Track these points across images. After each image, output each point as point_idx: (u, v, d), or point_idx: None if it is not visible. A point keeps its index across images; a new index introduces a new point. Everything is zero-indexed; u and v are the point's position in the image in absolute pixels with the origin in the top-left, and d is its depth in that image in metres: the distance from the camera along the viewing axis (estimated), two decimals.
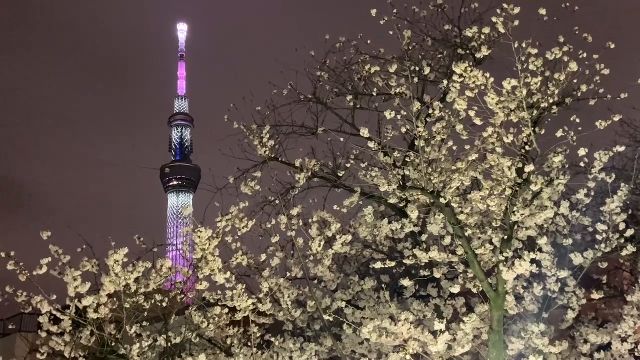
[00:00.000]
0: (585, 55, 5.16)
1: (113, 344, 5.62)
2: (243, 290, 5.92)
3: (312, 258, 6.52)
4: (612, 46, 5.16)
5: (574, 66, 5.07)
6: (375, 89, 6.93)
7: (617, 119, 5.47)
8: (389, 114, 5.57)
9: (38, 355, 5.85)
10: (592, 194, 6.21)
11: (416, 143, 5.67)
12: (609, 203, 6.20)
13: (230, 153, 7.44)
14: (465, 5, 6.83)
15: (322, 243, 6.23)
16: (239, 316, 6.11)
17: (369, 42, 6.80)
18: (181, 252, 6.06)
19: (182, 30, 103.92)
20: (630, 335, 6.21)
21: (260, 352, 6.31)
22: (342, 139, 7.12)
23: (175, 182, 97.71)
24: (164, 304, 5.85)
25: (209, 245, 5.47)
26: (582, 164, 5.81)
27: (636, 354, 6.22)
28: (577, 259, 6.19)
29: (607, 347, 6.45)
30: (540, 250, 5.85)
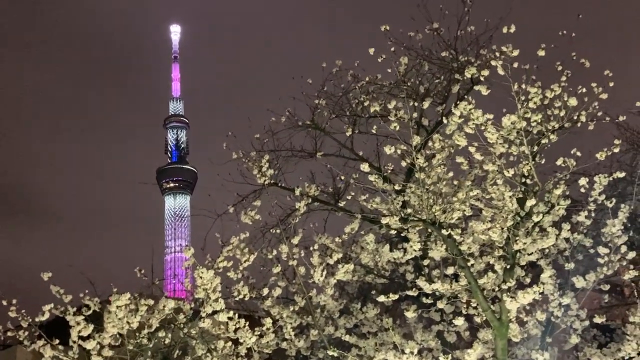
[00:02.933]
0: (584, 89, 5.16)
1: None
2: (246, 325, 5.90)
3: (314, 286, 6.50)
4: (610, 75, 5.16)
5: (573, 102, 5.07)
6: (373, 111, 6.91)
7: (617, 149, 5.47)
8: (388, 149, 5.55)
9: None
10: (593, 215, 6.22)
11: (415, 174, 5.66)
12: (609, 225, 6.21)
13: (229, 172, 7.40)
14: (461, 28, 6.81)
15: (324, 272, 6.21)
16: (242, 349, 6.10)
17: (367, 76, 6.78)
18: (183, 285, 6.02)
19: (176, 32, 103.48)
20: (633, 357, 6.21)
21: None
22: (341, 166, 7.10)
23: (171, 184, 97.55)
24: (167, 340, 5.81)
25: (211, 284, 5.45)
26: (582, 190, 5.81)
27: None
28: (579, 282, 6.20)
29: None
30: (543, 283, 5.84)
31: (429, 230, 6.07)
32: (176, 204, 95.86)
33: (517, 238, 5.54)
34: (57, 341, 5.23)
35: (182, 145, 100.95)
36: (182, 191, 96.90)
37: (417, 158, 5.45)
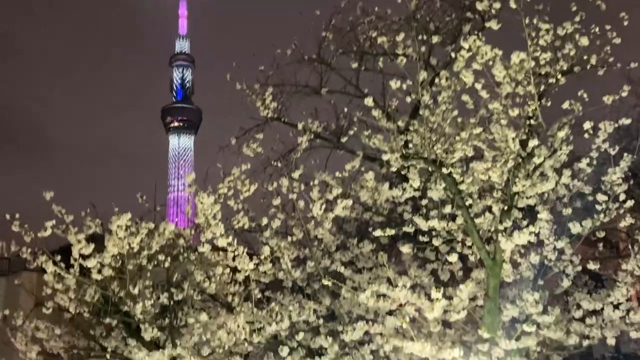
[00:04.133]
0: (597, 29, 5.04)
1: (116, 302, 5.75)
2: (244, 252, 6.02)
3: (312, 220, 6.59)
4: (626, 17, 5.03)
5: (584, 41, 4.96)
6: (380, 50, 6.81)
7: (625, 93, 5.40)
8: (394, 84, 5.49)
9: (43, 310, 6.01)
10: (595, 163, 6.21)
11: (420, 111, 5.62)
12: (610, 173, 6.21)
13: (232, 105, 7.39)
14: None
15: (323, 206, 6.27)
16: (240, 276, 6.25)
17: (376, 9, 6.63)
18: (184, 212, 6.11)
19: None
20: (622, 303, 6.33)
21: (260, 309, 6.45)
22: (345, 103, 7.06)
23: (176, 123, 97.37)
24: (166, 264, 5.94)
25: (212, 210, 5.52)
26: (586, 136, 5.78)
27: (627, 321, 6.36)
28: (575, 227, 6.24)
29: (599, 312, 6.59)
30: (540, 220, 5.89)
31: (429, 169, 6.09)
32: (180, 142, 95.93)
33: (516, 180, 5.56)
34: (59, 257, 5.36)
35: (188, 85, 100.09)
36: (186, 130, 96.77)
37: (423, 95, 5.40)
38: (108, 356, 5.90)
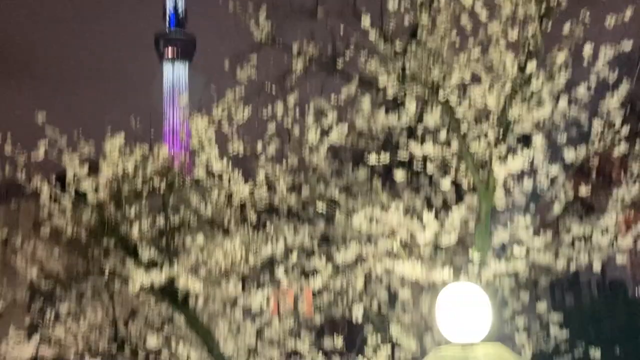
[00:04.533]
0: None
1: (113, 224, 5.82)
2: (240, 176, 6.05)
3: (307, 146, 6.59)
4: None
5: None
6: None
7: (628, 17, 5.27)
8: (392, 4, 5.34)
9: (41, 232, 6.09)
10: (593, 89, 6.16)
11: (418, 33, 5.50)
12: (608, 99, 6.17)
13: (226, 30, 7.21)
14: None
15: (318, 132, 6.25)
16: (235, 201, 6.31)
17: None
18: (178, 136, 6.09)
19: None
20: (610, 228, 6.45)
21: (255, 232, 6.56)
22: (342, 26, 6.87)
23: (169, 52, 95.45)
24: (162, 188, 5.98)
25: (205, 133, 5.49)
26: (585, 62, 5.69)
27: (614, 246, 6.50)
28: (569, 155, 6.27)
29: (588, 237, 6.73)
30: (535, 146, 5.90)
31: (426, 94, 6.03)
32: (174, 71, 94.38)
33: (513, 105, 5.52)
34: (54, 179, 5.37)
35: (181, 12, 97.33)
36: (180, 58, 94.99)
37: (421, 16, 5.27)
38: (106, 276, 6.04)
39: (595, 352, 6.89)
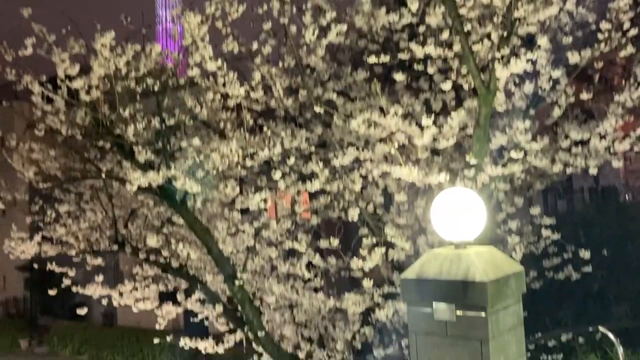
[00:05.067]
0: None
1: (108, 125, 5.75)
2: (235, 77, 5.91)
3: (305, 47, 6.39)
4: None
5: None
6: None
7: None
8: None
9: (36, 132, 6.03)
10: None
11: None
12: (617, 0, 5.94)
13: None
14: None
15: (316, 32, 6.03)
16: (231, 103, 6.21)
17: None
18: (171, 35, 5.87)
19: None
20: (609, 133, 6.42)
21: (252, 136, 6.51)
22: None
23: None
24: (156, 88, 5.85)
25: (198, 31, 5.28)
26: None
27: (611, 151, 6.50)
28: (573, 57, 6.10)
29: (586, 142, 6.72)
30: (539, 47, 5.73)
31: None
32: None
33: (519, 4, 5.30)
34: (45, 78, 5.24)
35: None
36: None
37: None
38: (104, 177, 6.06)
39: (585, 254, 7.10)
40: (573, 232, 9.99)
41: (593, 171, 6.62)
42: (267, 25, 6.40)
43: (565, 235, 7.63)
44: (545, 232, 7.04)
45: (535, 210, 7.05)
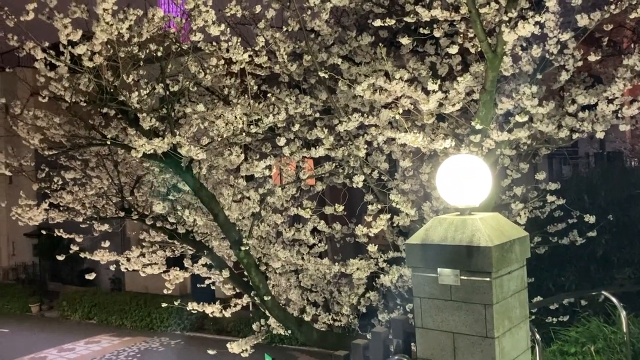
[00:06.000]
0: None
1: (112, 91, 5.72)
2: (238, 43, 5.84)
3: (309, 11, 6.29)
4: None
5: None
6: None
7: None
8: None
9: (39, 99, 6.01)
10: None
11: None
12: None
13: None
14: None
15: None
16: (235, 68, 6.15)
17: None
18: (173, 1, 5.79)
19: None
20: (617, 97, 6.35)
21: (256, 102, 6.48)
22: None
23: None
24: (159, 53, 5.80)
25: None
26: None
27: (619, 115, 6.44)
28: (582, 20, 5.99)
29: (593, 107, 6.66)
30: (547, 10, 5.62)
31: None
32: None
33: None
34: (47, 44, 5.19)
35: None
36: None
37: None
38: (108, 143, 6.06)
39: (590, 218, 7.11)
40: (578, 197, 9.99)
41: (600, 135, 6.57)
42: None
43: (570, 201, 7.64)
44: (550, 198, 7.04)
45: (541, 176, 7.04)
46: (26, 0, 5.02)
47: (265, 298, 6.88)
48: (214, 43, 5.97)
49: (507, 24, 5.33)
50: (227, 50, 5.88)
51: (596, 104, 6.42)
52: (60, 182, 7.46)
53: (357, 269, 7.00)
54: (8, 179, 25.48)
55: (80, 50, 5.07)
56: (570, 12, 6.30)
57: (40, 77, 5.69)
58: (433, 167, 6.68)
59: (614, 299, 6.53)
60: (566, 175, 14.79)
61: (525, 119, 5.78)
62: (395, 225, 6.91)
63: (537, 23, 5.33)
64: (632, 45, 7.31)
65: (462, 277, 3.64)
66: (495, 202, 6.71)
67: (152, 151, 5.61)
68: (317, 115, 7.07)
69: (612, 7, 5.87)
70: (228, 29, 5.59)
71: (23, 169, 6.81)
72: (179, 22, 5.51)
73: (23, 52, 5.36)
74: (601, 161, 17.66)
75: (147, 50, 5.50)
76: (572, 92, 6.66)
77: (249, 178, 7.26)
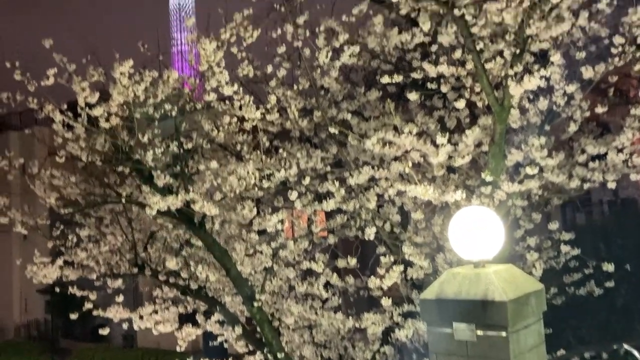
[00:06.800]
0: None
1: (127, 150, 5.86)
2: (251, 101, 5.99)
3: (318, 69, 6.47)
4: None
5: None
6: None
7: None
8: None
9: (57, 158, 6.16)
10: (614, 3, 5.91)
11: None
12: (630, 14, 5.93)
13: None
14: None
15: (329, 54, 6.12)
16: (247, 126, 6.29)
17: None
18: (187, 61, 5.99)
19: None
20: (626, 146, 6.38)
21: (268, 157, 6.58)
22: None
23: None
24: (174, 112, 5.96)
25: (214, 57, 5.39)
26: None
27: (629, 164, 6.45)
28: (587, 72, 6.10)
29: (603, 156, 6.68)
30: (552, 64, 5.74)
31: (441, 11, 5.81)
32: None
33: (531, 21, 5.32)
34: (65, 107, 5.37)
35: None
36: None
37: None
38: (123, 202, 6.15)
39: (608, 267, 7.00)
40: (593, 246, 9.87)
41: (611, 185, 6.56)
42: (282, 49, 6.50)
43: (586, 250, 7.55)
44: (564, 248, 6.98)
45: (554, 226, 7.00)
46: (44, 62, 5.24)
47: (279, 355, 6.78)
48: (227, 101, 6.13)
49: (513, 77, 5.44)
50: (240, 108, 6.04)
51: (606, 154, 6.45)
52: (74, 240, 7.53)
53: (372, 323, 6.90)
54: (23, 236, 25.68)
55: (97, 112, 5.24)
56: (575, 64, 6.42)
57: (57, 137, 5.85)
58: (445, 219, 6.68)
59: (635, 353, 6.36)
60: (580, 223, 14.65)
61: (536, 171, 5.81)
62: (409, 278, 6.85)
63: (542, 77, 5.43)
64: (639, 94, 7.38)
65: (478, 332, 3.59)
66: (509, 253, 6.65)
67: (166, 208, 5.68)
68: (328, 168, 7.15)
69: (617, 59, 5.99)
70: (241, 87, 5.75)
71: (38, 226, 6.90)
72: (193, 82, 5.68)
73: (42, 114, 5.54)
74: (615, 208, 17.49)
75: (162, 110, 5.66)
76: (581, 142, 6.71)
77: (261, 232, 7.28)
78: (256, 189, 6.32)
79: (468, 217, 4.02)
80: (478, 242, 3.92)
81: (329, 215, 7.55)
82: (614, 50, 6.03)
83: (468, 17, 5.47)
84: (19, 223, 6.67)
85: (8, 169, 6.33)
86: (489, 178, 5.73)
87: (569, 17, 5.65)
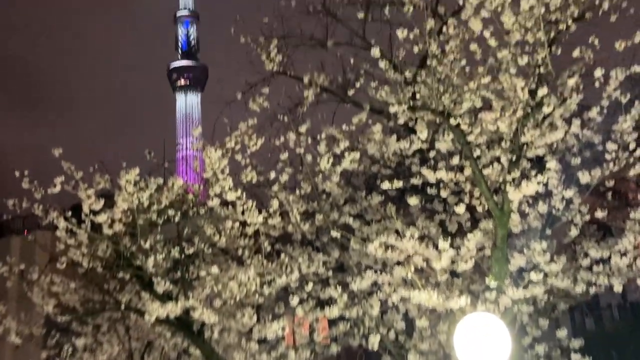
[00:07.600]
0: None
1: (128, 256, 5.84)
2: (254, 206, 6.07)
3: (320, 174, 6.61)
4: None
5: None
6: None
7: (638, 39, 5.27)
8: (401, 33, 5.39)
9: (57, 265, 6.13)
10: (605, 112, 6.15)
11: (428, 62, 5.54)
12: (621, 122, 6.15)
13: (238, 61, 7.35)
14: None
15: (330, 160, 6.28)
16: (249, 230, 6.31)
17: None
18: (192, 168, 6.15)
19: None
20: (629, 251, 6.35)
21: (269, 262, 6.54)
22: (352, 56, 6.96)
23: (182, 81, 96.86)
24: (177, 218, 6.01)
25: (219, 164, 5.53)
26: (596, 84, 5.68)
27: (634, 268, 6.39)
28: (584, 177, 6.22)
29: (607, 260, 6.63)
30: (549, 170, 5.87)
31: (437, 121, 6.04)
32: (187, 100, 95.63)
33: (525, 130, 5.52)
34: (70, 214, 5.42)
35: (193, 41, 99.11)
36: (192, 88, 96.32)
37: (430, 44, 5.31)
38: (122, 309, 6.04)
39: None
40: (605, 354, 9.54)
41: (618, 289, 6.46)
42: (284, 155, 6.68)
43: (597, 358, 7.28)
44: (575, 357, 6.73)
45: (562, 333, 6.80)
46: (51, 169, 5.36)
47: None
48: (230, 206, 6.20)
49: (511, 183, 5.55)
50: (243, 213, 6.09)
51: (610, 257, 6.41)
52: (69, 350, 7.30)
53: None
54: (15, 346, 24.86)
55: (101, 219, 5.29)
56: (572, 168, 6.55)
57: (60, 244, 5.85)
58: (451, 326, 6.51)
59: None
60: (589, 328, 14.25)
61: (540, 277, 5.75)
62: None
63: (540, 182, 5.53)
64: (638, 197, 7.46)
65: None
66: None
67: (164, 315, 5.57)
68: (330, 273, 7.08)
69: (611, 164, 6.12)
70: (244, 193, 5.85)
71: (33, 335, 6.72)
72: (197, 189, 5.78)
73: (46, 220, 5.59)
74: (625, 312, 17.10)
75: (165, 216, 5.71)
76: (583, 246, 6.69)
77: (261, 340, 7.07)
78: (257, 295, 6.22)
79: (474, 326, 3.94)
80: (484, 352, 3.81)
81: (332, 322, 7.37)
82: (607, 156, 6.19)
83: (464, 126, 5.67)
84: (14, 332, 6.50)
85: (8, 275, 6.28)
86: (492, 284, 5.67)
87: (562, 125, 5.86)
